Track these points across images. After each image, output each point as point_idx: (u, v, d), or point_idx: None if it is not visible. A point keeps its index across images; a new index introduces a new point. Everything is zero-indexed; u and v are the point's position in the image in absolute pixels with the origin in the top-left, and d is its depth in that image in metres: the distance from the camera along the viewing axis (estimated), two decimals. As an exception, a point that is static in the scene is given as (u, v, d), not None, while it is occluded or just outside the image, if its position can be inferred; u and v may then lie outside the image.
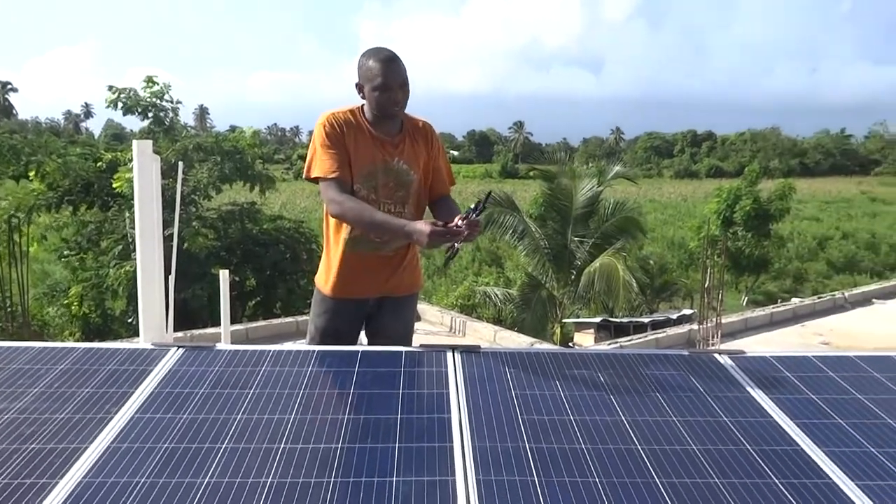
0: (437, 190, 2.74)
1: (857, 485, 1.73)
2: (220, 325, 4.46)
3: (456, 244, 2.39)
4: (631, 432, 1.93)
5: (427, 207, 2.75)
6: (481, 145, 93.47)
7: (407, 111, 2.64)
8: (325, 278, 2.72)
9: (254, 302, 12.32)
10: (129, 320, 10.78)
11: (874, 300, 8.36)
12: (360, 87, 2.53)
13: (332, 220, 2.65)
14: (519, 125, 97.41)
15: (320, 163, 2.52)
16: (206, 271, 10.96)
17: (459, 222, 2.29)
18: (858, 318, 7.53)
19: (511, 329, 8.49)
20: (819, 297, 8.21)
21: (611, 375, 2.28)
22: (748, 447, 1.88)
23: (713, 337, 5.84)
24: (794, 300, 8.68)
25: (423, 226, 2.32)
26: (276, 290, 11.93)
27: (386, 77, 2.44)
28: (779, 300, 19.98)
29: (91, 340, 10.51)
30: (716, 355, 2.47)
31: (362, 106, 2.59)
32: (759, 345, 6.11)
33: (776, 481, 1.73)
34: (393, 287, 2.72)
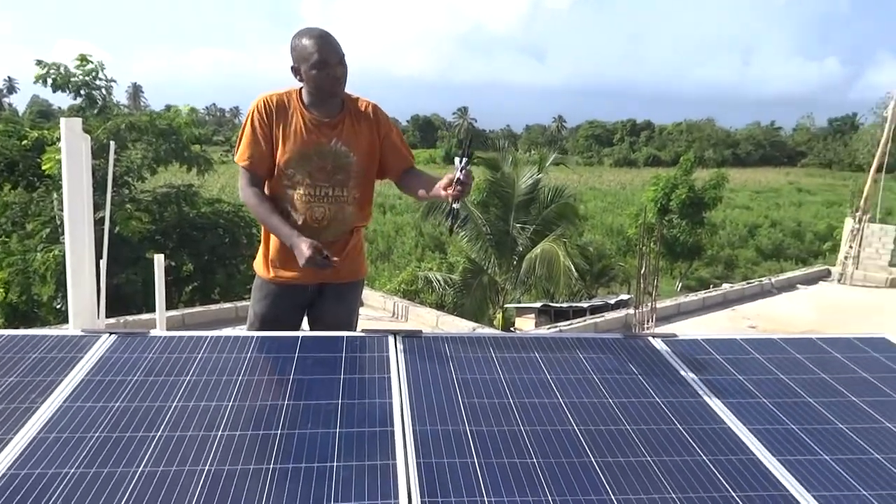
0: (399, 166, 2.67)
1: (778, 460, 1.82)
2: (155, 311, 4.33)
3: (454, 205, 2.32)
4: (568, 414, 1.98)
5: (372, 186, 2.69)
6: (425, 130, 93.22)
7: (351, 92, 2.59)
8: (263, 263, 2.67)
9: (191, 287, 12.01)
10: (58, 306, 10.35)
11: (798, 285, 8.78)
12: (296, 70, 2.47)
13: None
14: (463, 111, 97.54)
15: (240, 148, 2.54)
16: (140, 256, 10.62)
17: (458, 175, 2.22)
18: (784, 303, 7.89)
19: (451, 314, 8.54)
20: (748, 283, 8.56)
21: (549, 359, 2.33)
22: (679, 426, 1.95)
23: (648, 321, 6.02)
24: (725, 286, 9.03)
25: (305, 248, 2.31)
26: (214, 276, 11.65)
27: (322, 53, 2.39)
28: (711, 286, 20.75)
29: (16, 327, 10.05)
30: (650, 339, 2.54)
31: (301, 88, 2.53)
32: (691, 328, 6.33)
33: (705, 458, 1.80)
34: (332, 273, 2.64)
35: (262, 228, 2.67)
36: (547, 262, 12.83)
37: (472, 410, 1.96)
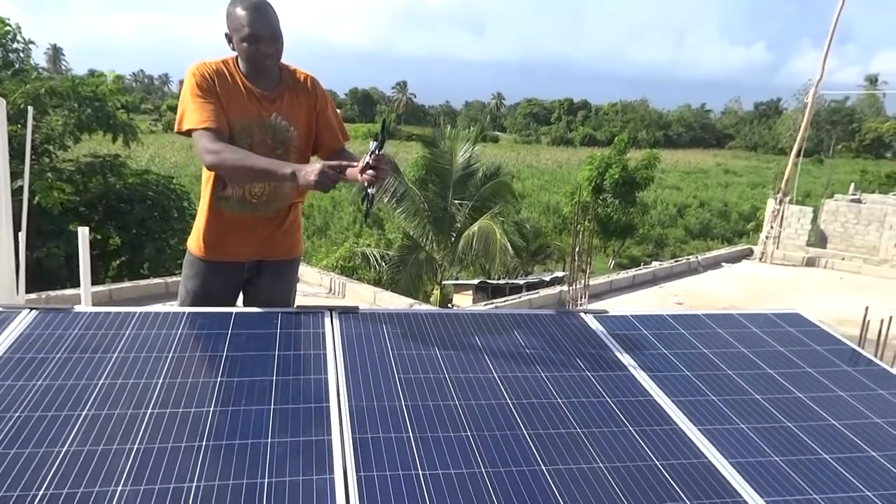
0: (330, 144, 2.58)
1: (699, 430, 1.92)
2: (79, 285, 4.17)
3: (370, 190, 2.21)
4: (502, 388, 2.03)
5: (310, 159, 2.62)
6: (364, 104, 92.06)
7: (289, 63, 2.52)
8: (195, 239, 2.59)
9: (118, 262, 11.60)
10: (-28, 281, 9.81)
11: (723, 264, 9.17)
12: (229, 38, 2.37)
13: (204, 177, 2.52)
14: (402, 85, 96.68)
15: (192, 114, 2.32)
16: (63, 228, 10.17)
17: (367, 160, 2.13)
18: (709, 280, 8.24)
19: (387, 290, 8.55)
20: (676, 261, 8.88)
21: (485, 335, 2.37)
22: (608, 399, 2.03)
23: (581, 298, 6.19)
24: (654, 264, 9.35)
25: (312, 164, 2.20)
26: (143, 250, 11.28)
27: (254, 26, 2.27)
28: (641, 263, 21.41)
29: (-75, 303, 9.47)
30: (582, 315, 2.62)
31: (236, 57, 2.43)
32: (622, 305, 6.54)
33: (631, 429, 1.88)
34: (270, 251, 2.60)
35: (202, 203, 2.57)
36: (484, 239, 12.96)
37: (407, 386, 1.98)
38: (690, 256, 9.29)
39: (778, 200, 9.86)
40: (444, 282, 14.55)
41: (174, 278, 6.53)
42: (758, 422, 2.00)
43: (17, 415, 1.68)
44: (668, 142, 77.99)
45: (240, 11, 2.29)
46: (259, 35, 2.29)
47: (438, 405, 1.90)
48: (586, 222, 9.88)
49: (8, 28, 10.93)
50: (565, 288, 6.56)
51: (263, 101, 2.42)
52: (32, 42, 11.78)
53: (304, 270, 7.21)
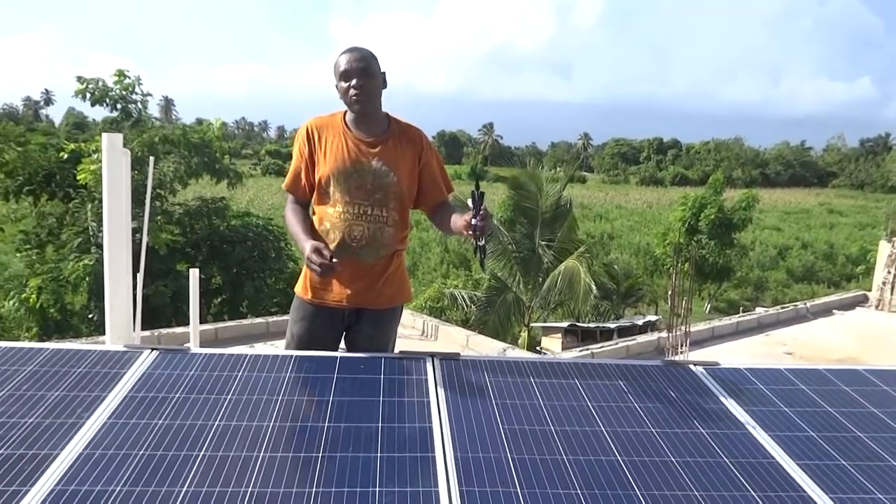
0: (434, 197, 2.66)
1: (831, 498, 1.77)
2: (184, 322, 4.37)
3: (479, 243, 2.31)
4: (611, 443, 1.95)
5: (410, 210, 2.68)
6: (451, 147, 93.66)
7: (401, 117, 2.61)
8: (302, 284, 2.66)
9: (220, 300, 12.13)
10: (91, 316, 10.52)
11: (835, 311, 8.59)
12: (336, 87, 2.51)
13: (315, 221, 2.62)
14: (489, 127, 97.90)
15: (288, 174, 2.65)
16: (170, 268, 10.76)
17: (473, 221, 2.23)
18: (820, 329, 7.73)
19: (473, 330, 8.51)
20: (783, 308, 8.40)
21: (589, 385, 2.30)
22: (725, 459, 1.91)
23: (682, 345, 5.93)
24: (759, 309, 8.87)
25: (307, 249, 2.36)
26: (243, 289, 11.76)
27: (346, 64, 2.43)
28: (741, 308, 20.44)
29: (49, 336, 10.21)
30: (691, 366, 2.50)
31: (346, 110, 2.56)
32: (725, 353, 6.23)
33: (753, 494, 1.76)
34: (371, 299, 2.60)
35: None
36: (568, 279, 12.72)
37: (513, 437, 1.94)
38: (798, 302, 8.77)
39: (894, 244, 9.19)
40: (531, 324, 14.36)
41: (274, 318, 6.77)
42: (898, 492, 1.82)
43: (141, 452, 1.76)
44: (766, 181, 74.83)
45: (340, 56, 2.49)
46: (349, 71, 2.43)
47: (545, 459, 1.85)
48: (681, 264, 9.55)
49: (129, 81, 11.86)
50: (664, 334, 6.32)
51: (364, 146, 2.51)
52: (150, 95, 12.74)
53: (397, 312, 7.29)
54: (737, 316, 8.06)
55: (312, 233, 2.55)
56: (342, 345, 2.77)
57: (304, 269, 2.66)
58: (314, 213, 2.62)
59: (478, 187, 2.25)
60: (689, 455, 1.91)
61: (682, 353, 5.87)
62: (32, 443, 1.77)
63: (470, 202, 2.24)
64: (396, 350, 2.60)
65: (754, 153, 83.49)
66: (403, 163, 2.55)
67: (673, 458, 1.90)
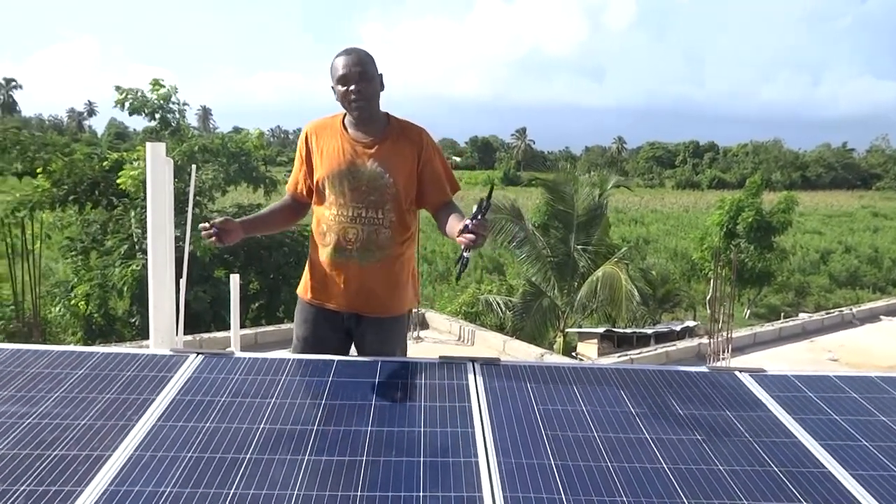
0: (437, 196, 2.57)
1: (887, 510, 1.71)
2: (223, 327, 4.46)
3: (465, 253, 2.20)
4: (656, 451, 1.92)
5: (415, 210, 2.62)
6: (484, 152, 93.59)
7: (407, 118, 2.57)
8: (303, 284, 2.66)
9: (257, 305, 12.30)
10: (133, 320, 10.76)
11: (882, 316, 8.34)
12: (333, 89, 2.49)
13: (312, 224, 2.62)
14: (521, 132, 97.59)
15: (290, 177, 2.71)
16: (209, 274, 10.95)
17: (467, 223, 2.13)
18: (867, 335, 7.51)
19: (510, 335, 8.46)
20: (827, 313, 8.18)
21: (632, 392, 2.27)
22: (775, 469, 1.86)
23: (723, 352, 5.82)
24: (803, 315, 8.67)
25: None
26: (279, 294, 11.91)
27: (344, 68, 2.40)
28: (781, 314, 19.99)
29: (94, 340, 10.48)
30: (736, 373, 2.45)
31: (345, 112, 2.54)
32: (768, 360, 6.09)
33: (805, 504, 1.71)
34: (370, 306, 2.55)
35: (310, 249, 2.66)
36: (609, 285, 12.59)
37: (556, 444, 1.93)
38: (844, 308, 8.54)
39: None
40: (567, 329, 14.24)
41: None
42: (958, 504, 1.76)
43: (189, 455, 1.79)
44: (806, 183, 73.11)
45: (335, 59, 2.46)
46: (347, 75, 2.40)
47: (590, 466, 1.83)
48: (720, 269, 9.38)
49: (165, 90, 12.11)
50: (704, 340, 6.21)
51: (360, 147, 2.48)
52: (187, 104, 13.01)
53: (433, 317, 7.32)
54: (779, 322, 7.88)
55: (260, 219, 2.72)
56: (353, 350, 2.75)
57: (306, 270, 2.67)
58: (313, 215, 2.63)
59: (489, 197, 2.19)
60: (738, 464, 1.88)
61: (723, 359, 5.75)
62: (86, 444, 1.81)
63: (474, 208, 2.15)
64: (436, 355, 2.61)
65: (794, 155, 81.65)
66: (401, 163, 2.49)
67: (721, 466, 1.86)
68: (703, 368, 2.47)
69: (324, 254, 2.55)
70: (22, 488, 1.62)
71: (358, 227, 2.49)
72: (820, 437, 2.04)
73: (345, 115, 2.54)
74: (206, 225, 2.36)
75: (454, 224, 2.33)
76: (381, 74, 2.49)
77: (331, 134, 2.53)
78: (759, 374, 2.44)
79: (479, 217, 2.13)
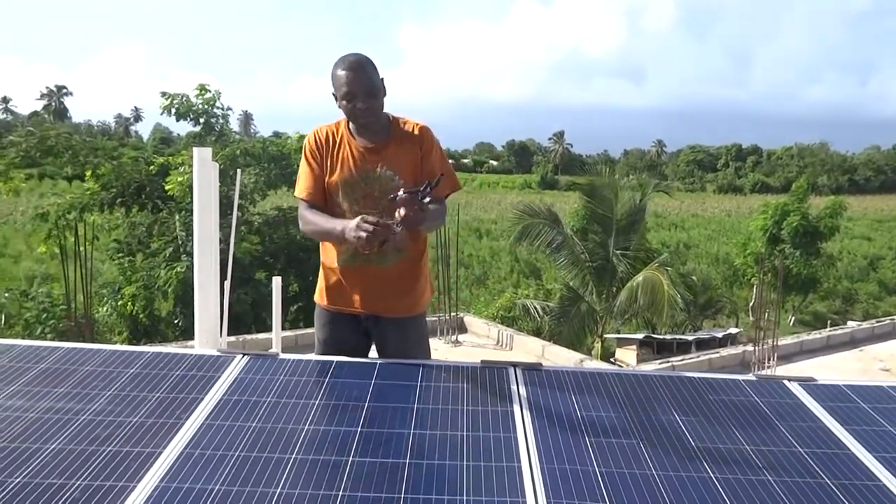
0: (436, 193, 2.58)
1: (946, 526, 1.65)
2: (263, 329, 4.53)
3: (396, 227, 2.20)
4: (703, 459, 1.89)
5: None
6: (520, 155, 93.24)
7: (400, 116, 2.57)
8: (319, 290, 2.66)
9: (296, 308, 12.45)
10: (176, 321, 11.00)
11: (934, 325, 8.05)
12: (334, 97, 2.47)
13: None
14: (559, 136, 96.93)
15: (298, 182, 2.55)
16: (250, 276, 11.13)
17: (401, 194, 2.16)
18: (919, 345, 7.25)
19: (549, 341, 8.41)
20: (878, 321, 7.93)
21: (677, 399, 2.24)
22: (827, 481, 1.81)
23: (769, 359, 5.68)
24: (851, 323, 8.41)
25: (352, 225, 2.19)
26: (318, 297, 12.04)
27: (350, 85, 2.36)
28: (828, 321, 19.44)
29: (139, 340, 10.75)
30: (785, 382, 2.40)
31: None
32: (815, 369, 5.93)
33: (859, 518, 1.67)
34: (388, 306, 2.56)
35: (323, 255, 2.65)
36: (650, 290, 12.39)
37: (599, 450, 1.91)
38: (895, 316, 8.27)
39: None
40: (605, 335, 14.08)
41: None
42: None
43: (237, 453, 1.82)
44: (854, 187, 71.04)
45: (339, 72, 2.40)
46: (354, 92, 2.37)
47: (634, 474, 1.81)
48: (764, 275, 9.18)
49: (210, 94, 12.37)
50: (749, 348, 6.08)
51: (369, 153, 2.48)
52: (230, 109, 13.26)
53: (472, 321, 7.31)
54: (827, 329, 7.67)
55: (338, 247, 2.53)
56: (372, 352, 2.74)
57: (321, 276, 2.65)
58: None
59: (435, 184, 2.20)
60: (788, 475, 1.83)
61: (769, 367, 5.62)
62: (138, 441, 1.86)
63: (421, 188, 2.18)
64: (475, 359, 2.61)
65: (841, 158, 79.43)
66: (407, 162, 2.50)
67: (770, 476, 1.82)
68: (751, 376, 2.42)
69: (340, 259, 2.55)
70: (78, 483, 1.67)
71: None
72: (874, 449, 1.98)
73: (347, 120, 2.53)
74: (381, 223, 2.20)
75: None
76: (382, 79, 2.47)
77: (339, 141, 2.52)
78: (809, 383, 2.38)
79: (419, 196, 2.17)
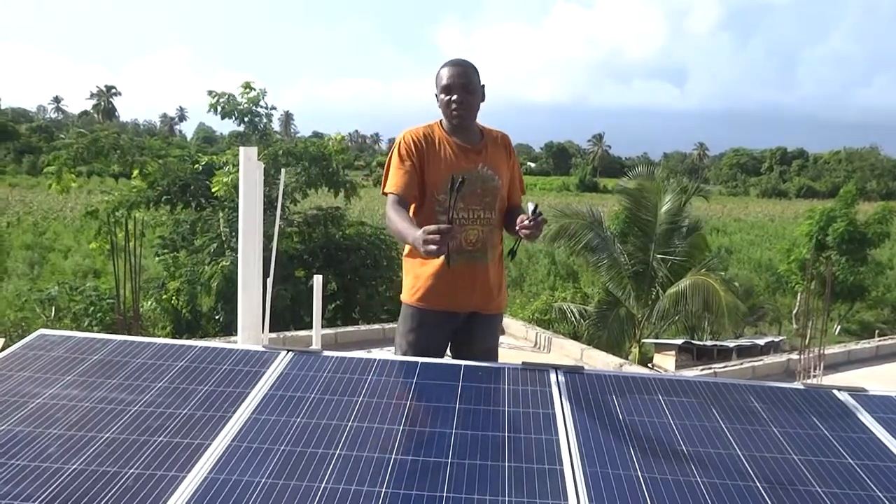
0: (516, 197, 2.80)
1: None
2: (301, 326, 4.59)
3: (524, 241, 2.46)
4: (749, 468, 1.86)
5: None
6: (559, 157, 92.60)
7: (484, 123, 2.71)
8: (413, 290, 2.65)
9: (333, 306, 12.58)
10: (217, 317, 11.22)
11: None
12: (436, 96, 2.62)
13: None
14: (598, 138, 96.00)
15: (389, 179, 2.59)
16: (290, 273, 11.29)
17: (527, 221, 2.35)
18: (975, 357, 6.98)
19: (586, 344, 8.33)
20: (929, 332, 7.67)
21: (721, 406, 2.20)
22: (879, 494, 1.77)
23: (815, 368, 5.54)
24: (902, 333, 8.14)
25: (419, 235, 2.16)
26: (355, 295, 12.16)
27: (449, 79, 2.53)
28: (876, 331, 18.84)
29: (181, 334, 11.00)
30: (834, 391, 2.34)
31: (441, 119, 2.66)
32: (863, 379, 5.76)
33: (913, 533, 1.62)
34: (487, 303, 2.68)
35: (408, 256, 2.70)
36: (703, 296, 12.10)
37: (643, 455, 1.89)
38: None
39: None
40: (643, 340, 13.89)
41: (390, 325, 6.94)
42: None
43: (282, 448, 1.86)
44: (906, 193, 68.67)
45: (442, 69, 2.58)
46: (451, 85, 2.53)
47: (678, 480, 1.79)
48: (809, 282, 8.95)
49: (255, 93, 12.57)
50: (793, 356, 5.93)
51: (470, 153, 2.61)
52: (274, 108, 13.47)
53: (509, 323, 7.31)
54: (876, 339, 7.43)
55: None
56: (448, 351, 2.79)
57: (411, 278, 2.67)
58: (424, 222, 2.63)
59: (462, 184, 2.29)
60: (838, 487, 1.79)
61: (815, 376, 5.48)
62: (187, 432, 1.91)
63: (530, 206, 2.38)
64: (515, 361, 2.61)
65: (892, 163, 76.89)
66: (502, 166, 2.68)
67: (819, 488, 1.78)
68: (798, 385, 2.37)
69: (449, 258, 2.51)
70: (131, 471, 1.73)
71: (478, 229, 2.61)
72: (929, 464, 1.92)
73: (440, 122, 2.65)
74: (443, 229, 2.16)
75: (513, 221, 2.51)
76: (483, 85, 2.63)
77: (436, 141, 2.61)
78: (859, 394, 2.32)
79: (540, 216, 2.36)
